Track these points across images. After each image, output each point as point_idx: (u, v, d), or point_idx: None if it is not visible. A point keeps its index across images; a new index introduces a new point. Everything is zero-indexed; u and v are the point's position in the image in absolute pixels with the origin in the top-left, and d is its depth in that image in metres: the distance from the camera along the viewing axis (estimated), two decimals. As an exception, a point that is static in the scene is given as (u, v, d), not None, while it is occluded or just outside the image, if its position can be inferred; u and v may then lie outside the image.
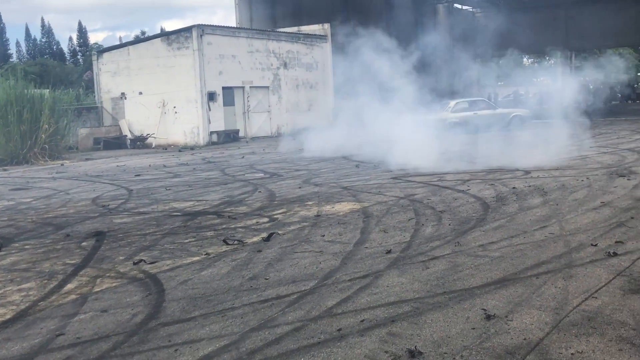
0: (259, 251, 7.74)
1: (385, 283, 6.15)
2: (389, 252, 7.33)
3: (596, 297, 5.40)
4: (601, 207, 9.30)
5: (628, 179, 11.59)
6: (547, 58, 74.85)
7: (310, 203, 11.17)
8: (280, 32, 35.38)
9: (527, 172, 13.36)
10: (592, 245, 7.11)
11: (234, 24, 39.35)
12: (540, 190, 10.99)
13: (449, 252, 7.22)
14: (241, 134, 31.88)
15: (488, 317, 5.07)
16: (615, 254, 6.66)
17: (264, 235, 8.60)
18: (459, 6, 52.90)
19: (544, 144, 17.22)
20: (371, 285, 6.12)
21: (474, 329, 4.88)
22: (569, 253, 6.87)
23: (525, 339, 4.64)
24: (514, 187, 11.47)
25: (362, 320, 5.17)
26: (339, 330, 5.00)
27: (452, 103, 27.65)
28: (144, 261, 7.47)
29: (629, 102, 52.05)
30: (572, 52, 57.43)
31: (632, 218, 8.38)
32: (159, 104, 30.49)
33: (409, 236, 8.12)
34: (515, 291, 5.70)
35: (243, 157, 21.46)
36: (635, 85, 57.85)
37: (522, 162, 14.55)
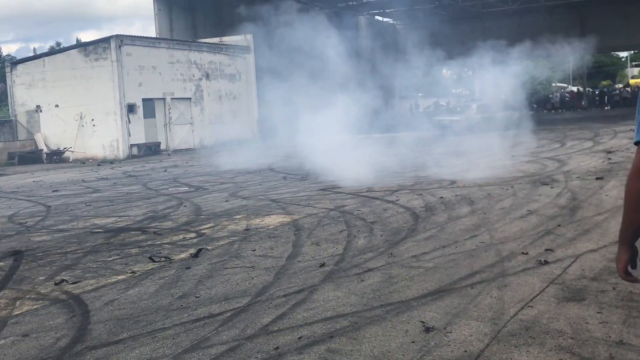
0: (188, 268, 7.51)
1: (321, 297, 6.05)
2: (322, 265, 7.24)
3: (532, 306, 5.44)
4: (528, 215, 9.48)
5: (551, 187, 11.89)
6: (466, 70, 76.83)
7: (238, 217, 10.98)
8: (202, 42, 35.01)
9: (453, 182, 13.54)
10: (522, 253, 7.21)
11: (153, 35, 38.69)
12: (467, 200, 11.14)
13: (383, 263, 7.18)
14: (163, 146, 31.31)
15: (427, 330, 5.03)
16: (546, 262, 6.76)
17: (192, 251, 8.38)
18: (380, 18, 53.64)
19: (468, 154, 17.57)
20: (307, 300, 6.00)
21: (413, 342, 4.83)
22: (501, 262, 6.93)
23: (465, 351, 4.61)
24: (441, 197, 11.59)
25: (299, 338, 5.05)
26: (276, 348, 4.86)
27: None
28: (66, 281, 7.14)
29: (545, 111, 53.84)
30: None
31: (559, 226, 8.56)
32: (76, 116, 29.63)
33: (342, 248, 8.06)
34: (451, 302, 5.69)
35: (166, 171, 21.03)
36: (550, 96, 59.96)
37: (447, 172, 14.77)
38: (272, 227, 9.84)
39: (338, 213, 10.66)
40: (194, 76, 33.38)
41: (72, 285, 6.98)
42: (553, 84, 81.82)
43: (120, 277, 7.26)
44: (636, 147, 2.54)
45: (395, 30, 53.66)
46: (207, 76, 34.22)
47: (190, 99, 33.18)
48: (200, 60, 33.88)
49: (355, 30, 48.45)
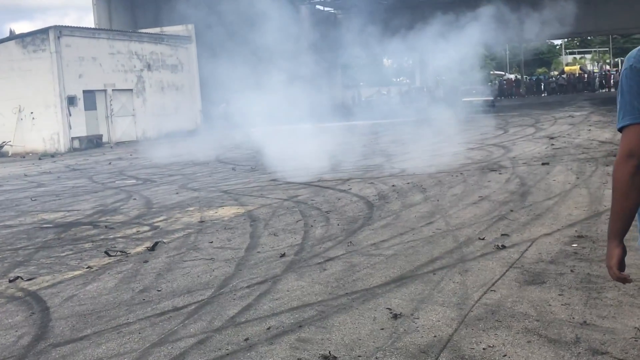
0: (146, 261, 7.40)
1: (285, 287, 6.04)
2: (282, 255, 7.22)
3: (495, 290, 5.54)
4: (480, 201, 9.64)
5: (500, 174, 12.12)
6: (406, 59, 77.61)
7: (191, 209, 10.86)
8: (143, 33, 34.39)
9: (403, 170, 13.68)
10: (479, 239, 7.33)
11: (91, 25, 37.82)
12: (419, 187, 11.27)
13: (343, 252, 7.21)
14: (105, 139, 30.70)
15: (395, 317, 5.08)
16: (503, 247, 6.89)
17: (148, 244, 8.25)
18: (321, 7, 53.61)
19: (415, 142, 17.77)
20: (271, 290, 5.98)
21: (383, 329, 4.87)
22: (459, 248, 7.04)
23: (435, 336, 4.67)
24: (393, 185, 11.69)
25: (268, 328, 5.03)
26: (246, 339, 4.83)
27: None
28: (21, 278, 6.95)
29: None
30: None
31: (511, 211, 8.74)
32: (14, 109, 28.76)
33: (300, 238, 8.06)
34: (415, 288, 5.76)
35: (110, 164, 20.64)
36: (489, 83, 61.01)
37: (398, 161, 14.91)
38: (227, 218, 9.77)
39: (292, 203, 10.65)
40: (135, 67, 32.79)
41: (27, 282, 6.80)
42: (490, 72, 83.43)
43: (76, 273, 7.10)
44: (620, 132, 2.54)
45: (337, 19, 53.73)
46: (149, 67, 33.67)
47: (132, 90, 32.60)
48: (142, 50, 33.30)
49: (298, 20, 48.36)
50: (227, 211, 10.37)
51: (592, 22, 48.53)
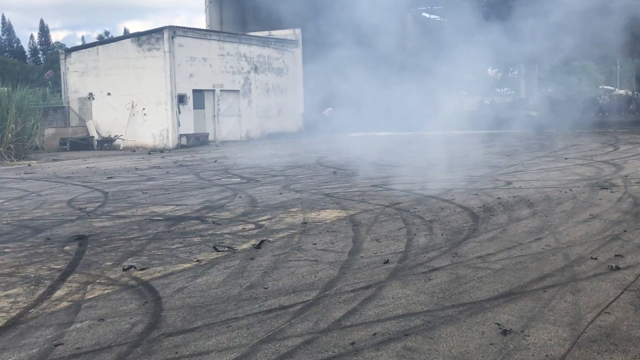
0: (252, 259, 7.53)
1: (390, 294, 6.00)
2: (386, 262, 7.18)
3: (609, 313, 5.32)
4: (591, 219, 9.29)
5: (611, 192, 11.65)
6: (512, 69, 76.01)
7: (294, 210, 10.98)
8: (252, 36, 35.12)
9: (508, 182, 13.37)
10: (592, 258, 7.06)
11: (201, 26, 38.97)
12: (525, 202, 10.97)
13: (448, 263, 7.10)
14: (210, 137, 31.52)
15: (504, 332, 4.95)
16: (618, 268, 6.61)
17: (254, 242, 8.39)
18: (427, 15, 53.18)
19: (516, 155, 17.31)
20: (376, 296, 5.96)
21: (492, 344, 4.76)
22: (570, 266, 6.80)
23: (547, 355, 4.52)
24: (498, 198, 11.44)
25: (374, 334, 5.01)
26: (353, 344, 4.83)
27: None
28: (134, 267, 7.21)
29: (592, 114, 52.91)
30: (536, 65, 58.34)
31: (625, 231, 8.37)
32: (127, 105, 29.98)
33: (403, 246, 7.99)
34: (525, 305, 5.60)
35: (216, 161, 21.16)
36: (598, 98, 58.86)
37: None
38: (329, 221, 9.82)
39: (394, 210, 10.59)
40: (242, 69, 33.52)
41: (140, 272, 7.04)
42: (600, 87, 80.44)
43: (186, 265, 7.30)
44: None
45: (443, 26, 53.16)
46: (256, 69, 34.34)
47: (238, 91, 33.34)
48: (250, 53, 34.01)
49: (403, 27, 48.16)
50: (329, 214, 10.43)
51: None
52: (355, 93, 24.85)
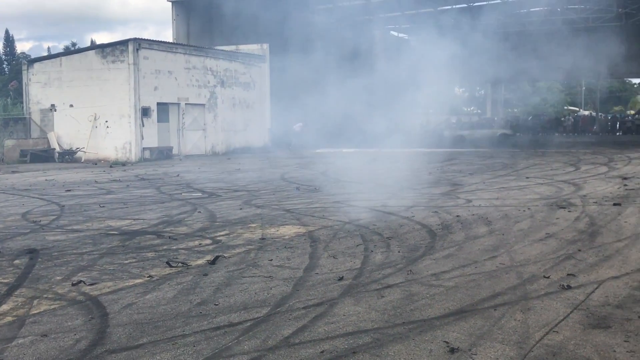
0: (205, 275, 7.45)
1: (341, 312, 5.98)
2: (341, 279, 7.17)
3: (557, 332, 5.36)
4: (547, 238, 9.38)
5: (569, 211, 11.79)
6: (478, 89, 76.93)
7: (253, 225, 10.93)
8: (219, 50, 35.06)
9: (468, 200, 13.46)
10: (544, 277, 7.12)
11: (168, 39, 38.82)
12: (484, 220, 11.05)
13: (402, 280, 7.10)
14: (175, 151, 31.31)
15: (452, 351, 4.96)
16: (569, 287, 6.67)
17: (209, 257, 8.32)
18: (395, 33, 53.63)
19: (480, 173, 17.43)
20: (327, 313, 5.93)
21: (438, 362, 4.75)
22: (522, 285, 6.85)
23: (492, 374, 4.53)
24: (457, 215, 11.50)
25: (322, 352, 4.98)
26: (299, 361, 4.79)
27: None
28: (83, 282, 7.09)
29: (556, 134, 53.78)
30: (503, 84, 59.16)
31: (579, 251, 8.46)
32: (90, 117, 29.69)
33: (360, 262, 7.99)
34: (474, 323, 5.61)
35: (178, 175, 21.00)
36: (562, 119, 59.87)
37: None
38: (287, 237, 9.78)
39: (353, 226, 10.59)
40: (209, 83, 33.43)
41: (89, 287, 6.93)
42: (565, 107, 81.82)
43: (137, 281, 7.21)
44: None
45: (409, 45, 53.62)
46: (222, 83, 34.27)
47: (204, 105, 33.22)
48: (216, 67, 33.95)
49: (371, 44, 48.49)
50: (289, 230, 10.39)
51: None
52: (322, 109, 24.94)
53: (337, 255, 8.41)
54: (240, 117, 35.43)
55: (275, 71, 33.45)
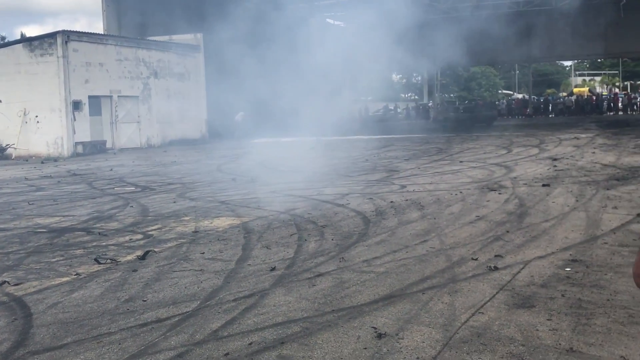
0: (135, 270, 7.35)
1: (272, 302, 5.97)
2: (273, 269, 7.16)
3: (483, 313, 5.47)
4: (477, 221, 9.56)
5: (499, 193, 12.04)
6: (415, 75, 77.84)
7: (186, 218, 10.82)
8: (151, 40, 34.45)
9: (402, 186, 13.61)
10: (472, 259, 7.26)
11: (100, 31, 37.94)
12: (417, 205, 11.19)
13: (334, 268, 7.14)
14: (109, 145, 30.69)
15: (379, 336, 5.01)
16: (496, 268, 6.81)
17: (139, 253, 8.20)
18: (331, 21, 53.67)
19: (415, 159, 17.66)
20: (257, 305, 5.92)
21: (365, 348, 4.80)
22: (451, 267, 6.97)
23: (418, 357, 4.60)
24: (391, 202, 11.62)
25: (250, 343, 4.97)
26: (226, 354, 4.77)
27: None
28: (8, 282, 6.91)
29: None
30: (438, 70, 59.89)
31: (507, 232, 8.66)
32: (19, 112, 28.84)
33: (293, 252, 8.00)
34: (403, 308, 5.68)
35: (112, 170, 20.63)
36: (497, 102, 61.03)
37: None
38: (221, 229, 9.72)
39: (288, 216, 10.59)
40: (142, 74, 32.85)
41: (14, 287, 6.76)
42: (500, 91, 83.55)
43: (64, 279, 7.06)
44: None
45: (346, 33, 53.73)
46: (156, 74, 33.72)
47: (137, 97, 32.64)
48: (149, 58, 33.38)
49: (308, 33, 48.43)
50: (223, 222, 10.32)
51: (602, 45, 48.51)
52: (260, 98, 24.84)
53: (271, 246, 8.40)
54: (176, 109, 34.91)
55: (212, 61, 33.05)
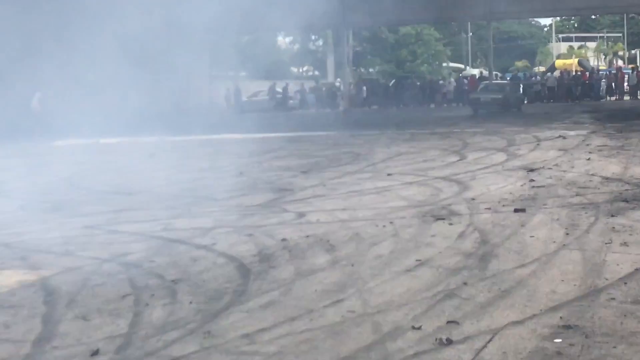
0: None
1: (95, 409, 5.88)
2: (95, 353, 7.06)
3: (433, 413, 5.57)
4: (418, 267, 9.74)
5: (450, 224, 12.30)
6: (315, 37, 78.76)
7: (-54, 273, 10.53)
8: None
9: (300, 214, 13.71)
10: (414, 328, 7.37)
11: None
12: (324, 243, 11.30)
13: (196, 348, 7.11)
14: None
15: None
16: (449, 342, 6.94)
17: None
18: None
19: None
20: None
21: None
22: (381, 342, 7.06)
23: None
24: (284, 239, 11.67)
25: None
26: None
27: None
28: None
29: (433, 105, 56.09)
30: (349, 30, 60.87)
31: (465, 284, 8.85)
32: None
33: (126, 325, 7.92)
34: (308, 410, 5.72)
35: None
36: (441, 82, 62.59)
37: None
38: (6, 290, 9.52)
39: (117, 266, 10.49)
40: None
41: None
42: (445, 64, 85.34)
43: None
44: None
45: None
46: None
47: None
48: None
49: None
50: (8, 278, 10.11)
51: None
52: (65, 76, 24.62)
53: (90, 316, 8.29)
54: None
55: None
